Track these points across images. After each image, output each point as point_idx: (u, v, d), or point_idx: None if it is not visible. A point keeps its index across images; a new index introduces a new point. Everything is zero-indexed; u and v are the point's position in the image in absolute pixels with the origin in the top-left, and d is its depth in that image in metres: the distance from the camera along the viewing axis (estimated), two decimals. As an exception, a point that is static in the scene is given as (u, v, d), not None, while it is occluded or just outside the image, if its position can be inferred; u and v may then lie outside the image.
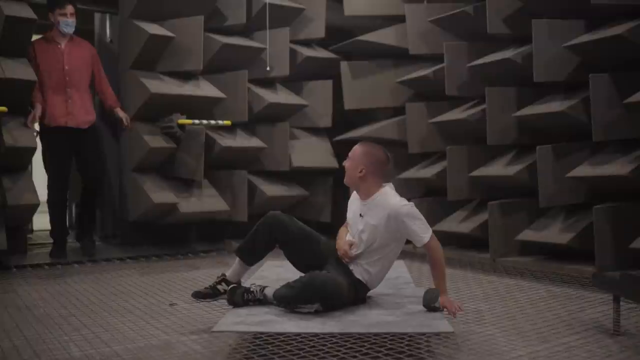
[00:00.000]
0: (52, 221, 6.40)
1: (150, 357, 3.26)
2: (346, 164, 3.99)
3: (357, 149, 3.99)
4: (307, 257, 4.05)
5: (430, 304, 3.62)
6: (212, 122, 6.84)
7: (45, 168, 6.28)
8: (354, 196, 4.12)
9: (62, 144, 6.22)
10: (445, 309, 3.63)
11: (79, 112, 6.24)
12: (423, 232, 3.84)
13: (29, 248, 6.67)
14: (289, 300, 3.66)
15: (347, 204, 4.22)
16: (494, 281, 5.31)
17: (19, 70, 5.78)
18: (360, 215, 3.95)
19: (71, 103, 6.19)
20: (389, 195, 3.95)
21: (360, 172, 3.90)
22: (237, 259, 4.10)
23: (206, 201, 6.94)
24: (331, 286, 3.65)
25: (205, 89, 6.92)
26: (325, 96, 7.77)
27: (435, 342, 3.45)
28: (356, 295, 3.88)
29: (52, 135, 6.19)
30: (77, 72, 6.28)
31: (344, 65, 7.62)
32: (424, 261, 6.21)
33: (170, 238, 7.18)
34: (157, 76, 6.71)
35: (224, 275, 4.06)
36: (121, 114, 6.50)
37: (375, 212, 3.88)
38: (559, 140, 5.59)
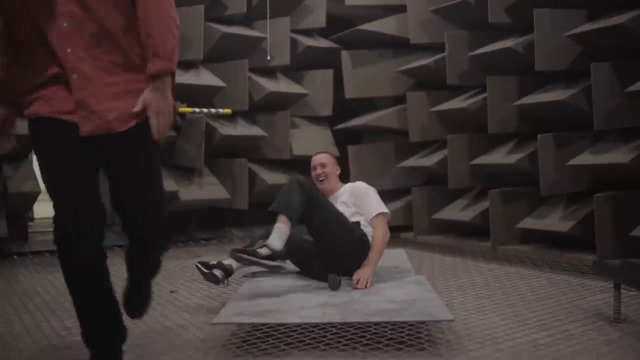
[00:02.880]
0: (78, 310, 2.86)
1: (150, 345, 3.27)
2: (325, 169, 4.52)
3: (326, 156, 4.63)
4: None
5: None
6: (213, 110, 6.84)
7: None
8: None
9: (69, 155, 2.54)
10: (356, 280, 3.92)
11: (102, 99, 2.49)
12: (377, 207, 4.27)
13: (30, 236, 6.67)
14: (279, 199, 4.06)
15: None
16: (494, 269, 5.32)
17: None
18: None
19: (80, 81, 2.47)
20: (353, 184, 4.56)
21: (338, 170, 4.61)
22: (278, 222, 4.00)
23: (207, 189, 6.95)
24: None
25: (206, 77, 6.91)
26: (325, 85, 7.77)
27: (436, 330, 3.46)
28: (362, 243, 4.17)
29: (44, 136, 2.59)
30: (92, 17, 2.47)
31: (344, 55, 7.60)
32: (423, 250, 6.24)
33: (171, 226, 7.18)
34: (157, 65, 6.69)
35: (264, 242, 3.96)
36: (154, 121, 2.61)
37: (343, 196, 4.40)
38: (560, 129, 5.58)
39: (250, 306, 3.51)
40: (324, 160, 4.55)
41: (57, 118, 2.46)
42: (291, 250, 4.08)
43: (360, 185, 4.46)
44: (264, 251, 3.79)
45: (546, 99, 5.57)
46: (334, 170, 4.57)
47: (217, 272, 4.04)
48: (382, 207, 4.27)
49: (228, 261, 4.05)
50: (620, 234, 4.93)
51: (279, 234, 3.91)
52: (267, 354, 3.08)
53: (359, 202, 4.31)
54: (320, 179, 4.49)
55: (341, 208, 4.26)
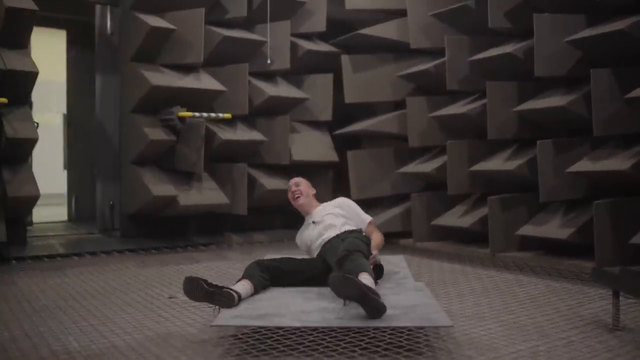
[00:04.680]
0: None
1: (148, 350, 3.26)
2: (300, 187, 4.90)
3: (299, 179, 5.03)
4: None
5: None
6: (213, 115, 6.83)
7: None
8: (301, 231, 4.83)
9: None
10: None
11: None
12: (366, 216, 4.84)
13: (29, 240, 6.67)
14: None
15: (349, 198, 4.97)
16: (493, 276, 5.31)
17: (20, 61, 5.77)
18: (314, 222, 4.69)
19: None
20: (331, 201, 4.94)
21: (313, 191, 4.98)
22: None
23: (206, 194, 6.94)
24: None
25: (206, 81, 6.91)
26: (325, 90, 7.77)
27: (435, 337, 3.45)
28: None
29: None
30: None
31: (344, 59, 7.60)
32: (422, 256, 6.23)
33: (169, 231, 7.19)
34: (157, 69, 6.70)
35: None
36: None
37: (325, 210, 4.76)
38: (559, 135, 5.58)
39: (249, 309, 3.50)
40: (297, 180, 5.00)
41: None
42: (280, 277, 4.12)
43: (344, 199, 4.96)
44: None
45: (545, 104, 5.58)
46: (309, 190, 4.95)
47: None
48: (369, 216, 4.85)
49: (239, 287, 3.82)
50: (619, 241, 4.93)
51: None
52: (265, 356, 3.08)
53: (349, 213, 4.78)
54: (296, 195, 4.87)
55: (330, 218, 4.65)
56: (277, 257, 4.38)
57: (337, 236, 4.45)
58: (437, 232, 6.79)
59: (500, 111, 5.97)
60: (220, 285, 3.66)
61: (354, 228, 4.61)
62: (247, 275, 3.94)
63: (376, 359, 3.03)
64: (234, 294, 3.61)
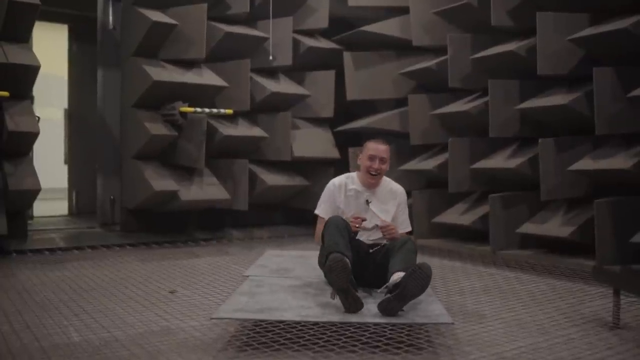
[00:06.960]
0: None
1: (149, 343, 3.26)
2: (383, 166, 4.22)
3: (387, 151, 4.26)
4: None
5: None
6: (214, 110, 6.84)
7: None
8: (339, 188, 4.32)
9: None
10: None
11: None
12: (409, 224, 4.39)
13: (29, 233, 6.66)
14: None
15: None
16: (494, 274, 5.31)
17: (22, 55, 5.77)
18: (367, 202, 4.23)
19: None
20: (391, 182, 4.42)
21: (388, 167, 4.31)
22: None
23: (207, 189, 6.94)
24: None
25: (208, 77, 6.90)
26: (327, 86, 7.77)
27: (435, 333, 3.45)
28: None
29: None
30: None
31: (346, 56, 7.60)
32: (423, 253, 6.23)
33: (170, 226, 7.18)
34: (159, 64, 6.70)
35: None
36: None
37: (384, 196, 4.31)
38: (561, 134, 5.58)
39: (250, 303, 3.51)
40: (386, 155, 4.24)
41: None
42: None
43: (404, 194, 4.40)
44: None
45: (548, 103, 5.57)
46: (388, 167, 4.29)
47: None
48: (410, 226, 4.39)
49: None
50: (620, 240, 4.93)
51: None
52: (266, 348, 3.08)
53: (400, 211, 4.32)
54: (374, 173, 4.22)
55: (384, 215, 4.20)
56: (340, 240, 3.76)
57: (384, 250, 3.99)
58: (438, 230, 6.79)
59: (502, 109, 5.97)
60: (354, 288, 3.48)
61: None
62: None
63: (377, 354, 3.03)
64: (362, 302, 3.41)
